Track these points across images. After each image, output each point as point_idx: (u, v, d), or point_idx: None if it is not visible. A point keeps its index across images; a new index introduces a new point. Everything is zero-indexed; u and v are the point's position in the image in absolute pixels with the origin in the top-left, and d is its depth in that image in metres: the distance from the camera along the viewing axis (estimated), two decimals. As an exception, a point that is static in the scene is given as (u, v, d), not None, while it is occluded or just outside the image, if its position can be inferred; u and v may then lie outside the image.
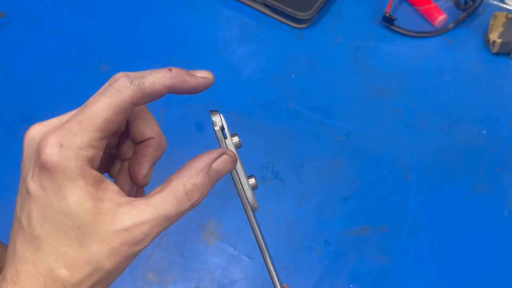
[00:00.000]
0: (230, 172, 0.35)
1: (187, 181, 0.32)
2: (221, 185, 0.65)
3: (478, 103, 0.69)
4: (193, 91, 0.33)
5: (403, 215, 0.62)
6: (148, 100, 0.32)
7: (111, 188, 0.32)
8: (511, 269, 0.59)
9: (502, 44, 0.70)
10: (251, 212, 0.36)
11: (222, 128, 0.35)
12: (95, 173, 0.31)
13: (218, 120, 0.35)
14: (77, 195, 0.30)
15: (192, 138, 0.68)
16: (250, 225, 0.36)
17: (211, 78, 0.34)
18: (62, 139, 0.31)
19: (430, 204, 0.63)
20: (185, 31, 0.76)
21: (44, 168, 0.30)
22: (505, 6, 0.75)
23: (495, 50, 0.71)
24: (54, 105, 0.71)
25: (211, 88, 0.37)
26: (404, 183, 0.64)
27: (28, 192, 0.31)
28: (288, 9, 0.74)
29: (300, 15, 0.74)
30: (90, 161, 0.31)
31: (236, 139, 0.35)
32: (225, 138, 0.35)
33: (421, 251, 0.60)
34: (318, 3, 0.74)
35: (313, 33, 0.75)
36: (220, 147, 0.35)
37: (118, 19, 0.78)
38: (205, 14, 0.78)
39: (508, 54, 0.71)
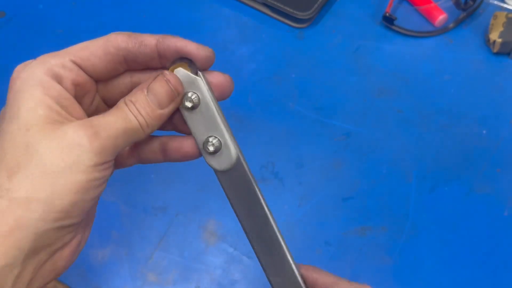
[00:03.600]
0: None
1: (127, 98, 0.32)
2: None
3: (478, 103, 0.69)
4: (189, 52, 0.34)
5: (403, 215, 0.62)
6: (138, 49, 0.33)
7: (76, 109, 0.31)
8: (511, 269, 0.59)
9: (502, 44, 0.70)
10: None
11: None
12: (59, 87, 0.30)
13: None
14: (30, 101, 0.29)
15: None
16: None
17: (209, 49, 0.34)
18: (39, 58, 0.31)
19: (430, 204, 0.63)
20: (185, 31, 0.76)
21: (11, 79, 0.30)
22: (505, 6, 0.75)
23: (495, 50, 0.71)
24: (54, 105, 0.71)
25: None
26: (404, 183, 0.64)
27: None
28: (288, 8, 0.74)
29: (300, 15, 0.74)
30: (57, 77, 0.30)
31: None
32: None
33: (421, 251, 0.60)
34: (318, 3, 0.74)
35: (313, 33, 0.75)
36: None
37: (118, 19, 0.78)
38: (205, 14, 0.78)
39: (508, 54, 0.71)
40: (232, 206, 0.36)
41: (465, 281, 0.58)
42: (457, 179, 0.64)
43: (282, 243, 0.36)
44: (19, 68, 0.31)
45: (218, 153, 0.34)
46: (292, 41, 0.75)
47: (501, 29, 0.70)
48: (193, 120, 0.34)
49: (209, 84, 0.34)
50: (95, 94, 0.35)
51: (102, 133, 0.30)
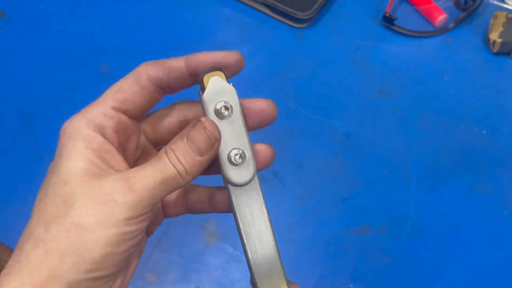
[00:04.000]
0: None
1: (168, 147, 0.32)
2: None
3: (478, 103, 0.69)
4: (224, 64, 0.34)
5: (403, 215, 0.62)
6: (168, 75, 0.33)
7: (117, 160, 0.32)
8: (511, 269, 0.59)
9: (502, 44, 0.70)
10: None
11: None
12: (101, 139, 0.31)
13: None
14: (72, 154, 0.30)
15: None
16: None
17: (237, 53, 0.34)
18: (82, 110, 0.32)
19: (430, 204, 0.63)
20: (185, 31, 0.76)
21: (59, 135, 0.31)
22: (505, 6, 0.75)
23: (495, 50, 0.71)
24: (54, 105, 0.71)
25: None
26: (404, 183, 0.64)
27: None
28: (288, 9, 0.74)
29: (300, 15, 0.74)
30: (99, 127, 0.31)
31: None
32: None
33: (421, 251, 0.60)
34: (318, 3, 0.74)
35: (313, 33, 0.75)
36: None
37: (118, 19, 0.78)
38: (205, 14, 0.78)
39: (508, 54, 0.71)
40: (237, 220, 0.35)
41: (465, 281, 0.58)
42: (457, 179, 0.64)
43: (280, 267, 0.35)
44: (65, 124, 0.32)
45: (241, 166, 0.34)
46: (292, 41, 0.75)
47: (501, 29, 0.70)
48: (221, 130, 0.34)
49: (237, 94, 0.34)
50: (139, 135, 0.35)
51: (137, 186, 0.30)
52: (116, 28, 0.77)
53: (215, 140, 0.33)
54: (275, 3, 0.75)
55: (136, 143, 0.35)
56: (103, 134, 0.32)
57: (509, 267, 0.59)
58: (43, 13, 0.79)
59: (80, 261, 0.29)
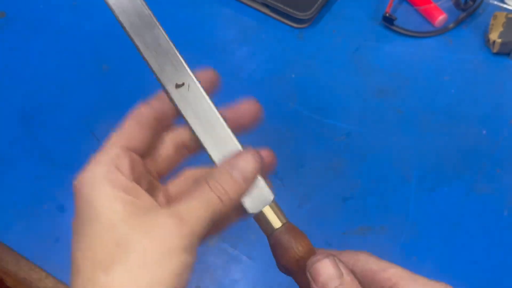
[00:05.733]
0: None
1: (208, 178, 0.32)
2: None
3: (478, 103, 0.69)
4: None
5: (403, 215, 0.62)
6: (159, 103, 0.34)
7: (145, 197, 0.31)
8: (511, 269, 0.59)
9: (502, 44, 0.70)
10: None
11: None
12: (124, 178, 0.31)
13: None
14: (105, 200, 0.29)
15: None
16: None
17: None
18: (92, 161, 0.31)
19: (430, 204, 0.63)
20: (185, 31, 0.76)
21: (75, 188, 0.30)
22: (505, 6, 0.75)
23: (495, 50, 0.71)
24: (54, 105, 0.71)
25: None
26: (404, 183, 0.64)
27: None
28: (288, 9, 0.74)
29: (300, 15, 0.74)
30: (117, 167, 0.31)
31: None
32: None
33: (421, 251, 0.60)
34: (318, 3, 0.74)
35: (313, 33, 0.75)
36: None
37: (118, 19, 0.78)
38: (205, 14, 0.78)
39: (508, 54, 0.71)
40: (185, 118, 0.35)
41: (465, 281, 0.58)
42: (457, 179, 0.64)
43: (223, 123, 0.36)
44: (79, 177, 0.31)
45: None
46: (292, 41, 0.75)
47: (501, 29, 0.70)
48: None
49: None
50: (146, 174, 0.35)
51: (189, 220, 0.30)
52: (116, 28, 0.77)
53: (261, 165, 0.34)
54: (275, 3, 0.75)
55: (147, 179, 0.34)
56: (122, 174, 0.31)
57: (509, 267, 0.59)
58: (43, 13, 0.79)
59: None
